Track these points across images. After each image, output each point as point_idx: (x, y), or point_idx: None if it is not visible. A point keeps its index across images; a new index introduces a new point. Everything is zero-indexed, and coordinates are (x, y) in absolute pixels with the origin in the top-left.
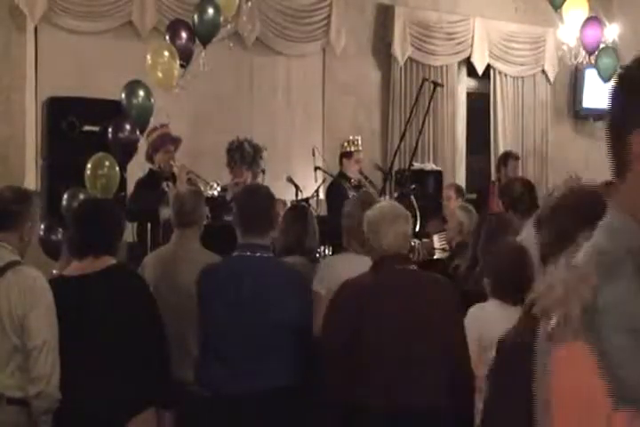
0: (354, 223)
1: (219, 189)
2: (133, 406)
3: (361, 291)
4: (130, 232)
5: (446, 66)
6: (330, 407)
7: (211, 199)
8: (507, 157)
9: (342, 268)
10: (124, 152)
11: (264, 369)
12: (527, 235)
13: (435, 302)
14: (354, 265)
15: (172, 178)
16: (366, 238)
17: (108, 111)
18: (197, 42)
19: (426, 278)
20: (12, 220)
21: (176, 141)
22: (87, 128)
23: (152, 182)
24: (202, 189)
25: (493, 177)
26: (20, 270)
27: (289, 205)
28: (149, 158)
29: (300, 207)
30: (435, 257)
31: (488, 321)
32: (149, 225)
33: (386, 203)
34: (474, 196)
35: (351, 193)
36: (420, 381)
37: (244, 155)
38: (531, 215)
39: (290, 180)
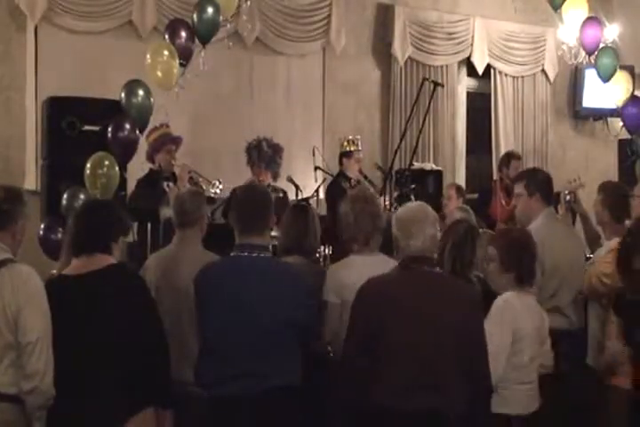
0: (348, 221)
1: (221, 186)
2: (132, 405)
3: (387, 289)
4: (130, 232)
5: (446, 66)
6: (341, 407)
7: (216, 199)
8: (509, 157)
9: (346, 274)
10: (124, 152)
11: (263, 369)
12: (543, 222)
13: (457, 306)
14: (356, 269)
15: (173, 178)
16: (394, 238)
17: (108, 111)
18: (197, 41)
19: (450, 282)
20: (4, 219)
21: (177, 141)
22: (87, 128)
23: (153, 182)
24: (204, 187)
25: (495, 176)
26: (12, 267)
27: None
28: (150, 158)
29: (301, 207)
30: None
31: (521, 313)
32: (149, 225)
33: (416, 204)
34: (475, 195)
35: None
36: (440, 382)
37: (261, 154)
38: (551, 203)
39: (290, 180)
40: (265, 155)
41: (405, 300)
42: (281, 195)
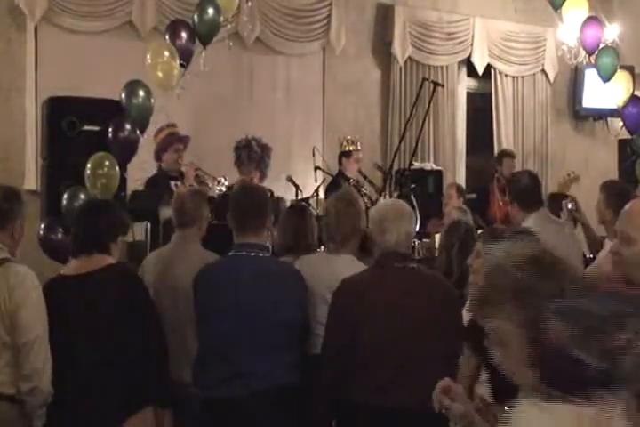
0: (329, 221)
1: (227, 183)
2: (131, 405)
3: (361, 288)
4: (130, 232)
5: (446, 66)
6: (325, 406)
7: (214, 199)
8: (501, 155)
9: (311, 268)
10: (124, 152)
11: (263, 369)
12: (534, 223)
13: (435, 301)
14: (320, 266)
15: (181, 177)
16: (370, 235)
17: (108, 111)
18: (197, 42)
19: (426, 277)
20: (2, 218)
21: (184, 140)
22: (87, 128)
23: (160, 182)
24: (210, 185)
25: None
26: (9, 267)
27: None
28: (158, 158)
29: (298, 207)
30: (436, 256)
31: None
32: (149, 225)
33: (391, 201)
34: (474, 196)
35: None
36: (419, 379)
37: (251, 154)
38: (535, 208)
39: (290, 180)
40: (255, 155)
41: (379, 299)
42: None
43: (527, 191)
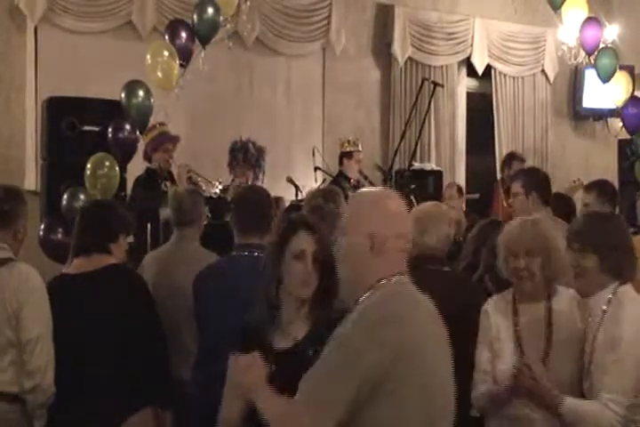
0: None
1: (221, 187)
2: (131, 405)
3: None
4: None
5: (446, 66)
6: None
7: (212, 199)
8: (510, 158)
9: None
10: (124, 152)
11: None
12: None
13: (463, 304)
14: None
15: (170, 177)
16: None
17: (108, 111)
18: (197, 42)
19: (456, 280)
20: (4, 218)
21: (174, 140)
22: (87, 128)
23: (151, 182)
24: (203, 188)
25: (498, 176)
26: (13, 266)
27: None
28: (147, 158)
29: (295, 207)
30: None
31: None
32: (149, 225)
33: (433, 202)
34: (476, 195)
35: (350, 193)
36: None
37: (247, 156)
38: (546, 203)
39: (290, 180)
40: (251, 157)
41: None
42: None
43: (545, 182)
